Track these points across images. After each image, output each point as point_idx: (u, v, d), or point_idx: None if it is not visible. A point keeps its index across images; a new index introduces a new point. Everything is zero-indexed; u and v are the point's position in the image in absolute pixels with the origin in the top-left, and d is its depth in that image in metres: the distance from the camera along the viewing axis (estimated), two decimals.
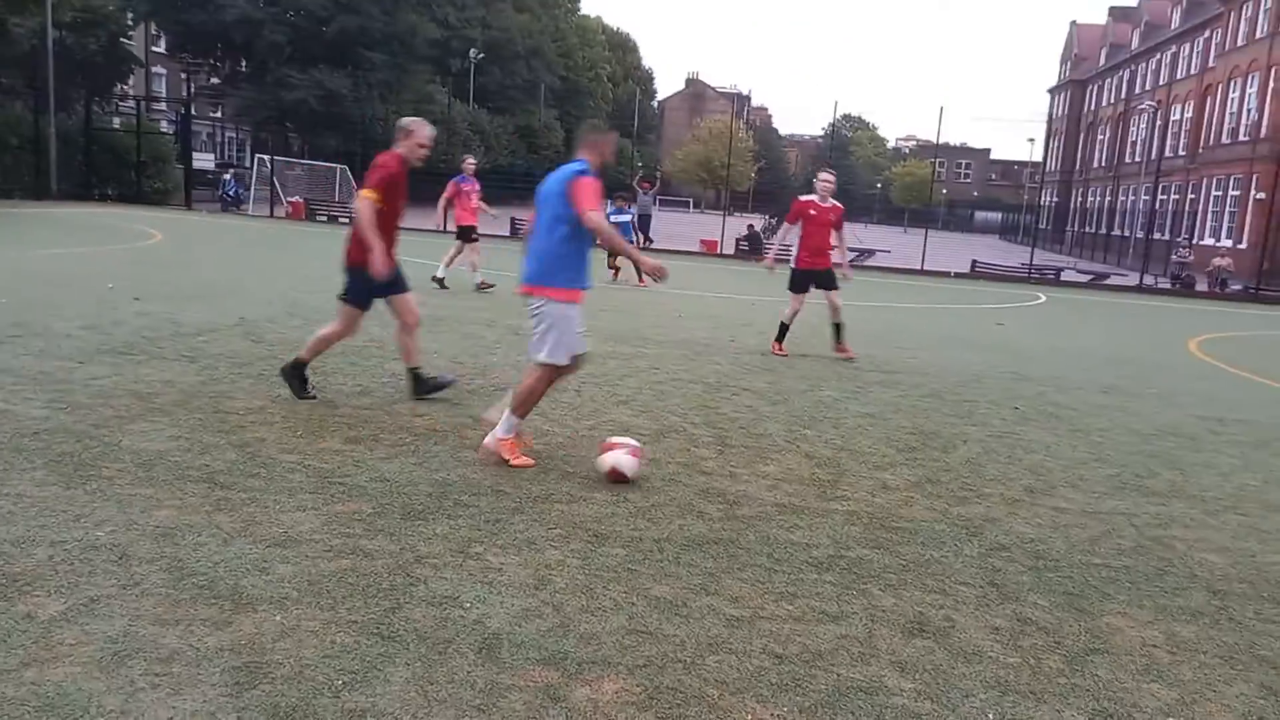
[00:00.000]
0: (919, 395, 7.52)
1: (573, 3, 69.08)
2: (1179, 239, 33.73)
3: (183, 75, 46.71)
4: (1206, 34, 42.14)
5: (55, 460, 4.29)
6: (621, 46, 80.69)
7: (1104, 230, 48.48)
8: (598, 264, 16.68)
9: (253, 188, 33.07)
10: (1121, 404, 7.83)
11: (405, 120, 5.73)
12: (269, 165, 32.25)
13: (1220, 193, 37.54)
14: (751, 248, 27.83)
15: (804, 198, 9.15)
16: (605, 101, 70.21)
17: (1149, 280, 26.76)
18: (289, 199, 31.81)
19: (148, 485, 4.07)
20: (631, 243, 16.28)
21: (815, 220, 9.01)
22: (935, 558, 3.97)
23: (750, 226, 30.54)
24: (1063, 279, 26.69)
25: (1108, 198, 52.24)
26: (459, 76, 49.50)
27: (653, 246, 26.72)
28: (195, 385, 5.92)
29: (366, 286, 5.55)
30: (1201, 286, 27.12)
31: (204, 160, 44.52)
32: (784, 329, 9.14)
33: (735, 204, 67.22)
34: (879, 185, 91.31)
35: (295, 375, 5.76)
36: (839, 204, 9.25)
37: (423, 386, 6.01)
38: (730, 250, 27.33)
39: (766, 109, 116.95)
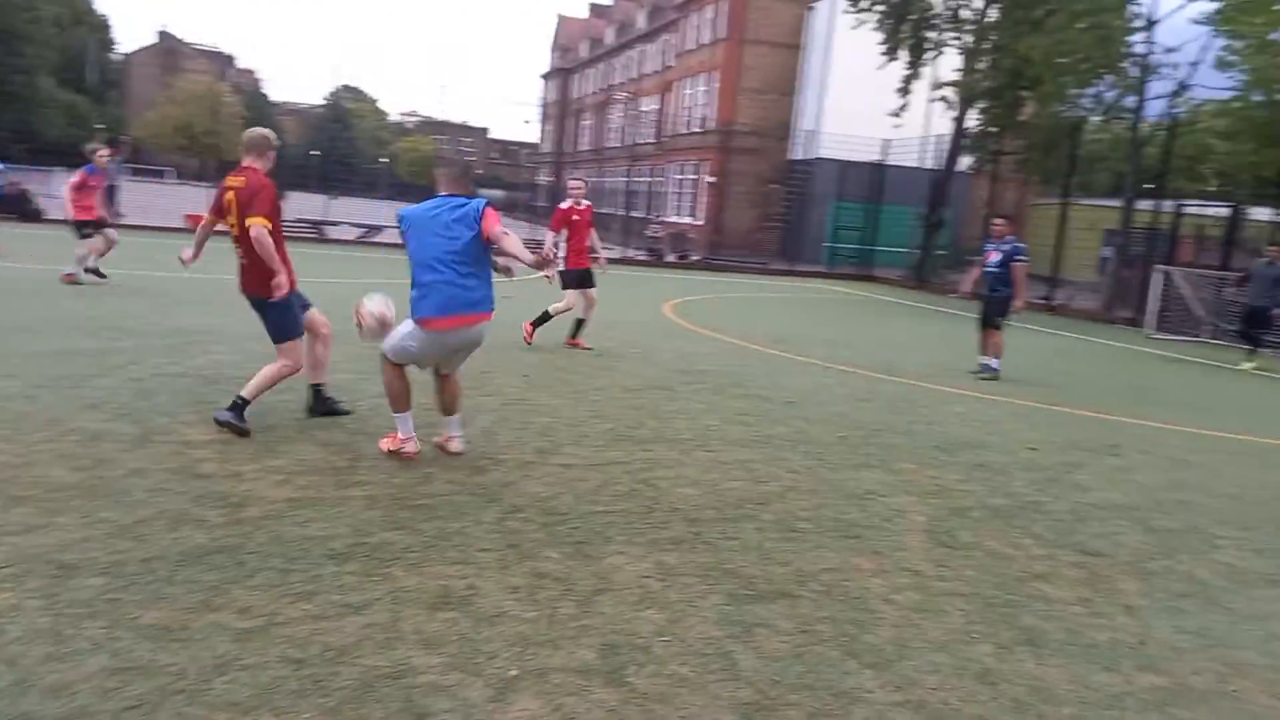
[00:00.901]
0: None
1: None
2: (651, 215, 38.60)
3: None
4: (667, 36, 48.38)
5: None
6: None
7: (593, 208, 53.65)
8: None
9: None
10: (612, 364, 8.73)
11: (265, 132, 5.58)
12: None
13: (681, 176, 43.68)
14: None
15: (565, 204, 9.76)
16: (50, 49, 59.28)
17: (630, 253, 30.21)
18: None
19: None
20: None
21: (579, 224, 9.72)
22: (456, 529, 4.04)
23: None
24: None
25: (594, 178, 57.80)
26: None
27: (122, 222, 23.39)
28: None
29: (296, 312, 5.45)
30: (670, 257, 31.36)
31: None
32: (547, 316, 9.66)
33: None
34: (384, 159, 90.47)
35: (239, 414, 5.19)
36: (590, 204, 10.07)
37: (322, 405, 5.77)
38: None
39: (254, 72, 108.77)
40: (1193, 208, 21.57)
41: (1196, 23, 19.86)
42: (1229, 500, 5.66)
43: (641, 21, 54.00)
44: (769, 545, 4.18)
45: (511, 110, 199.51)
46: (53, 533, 3.60)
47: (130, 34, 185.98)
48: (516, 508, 4.39)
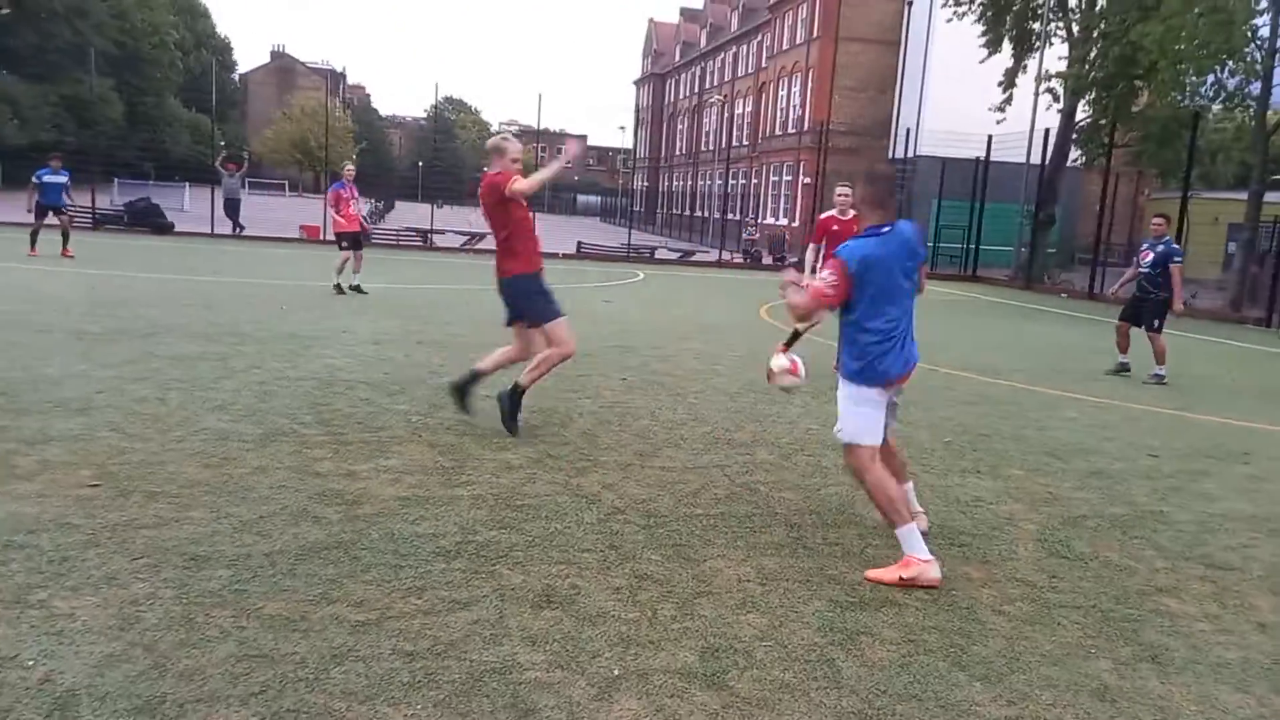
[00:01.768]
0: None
1: None
2: (747, 218, 38.39)
3: None
4: (759, 38, 48.14)
5: None
6: (190, 11, 72.40)
7: (688, 211, 53.80)
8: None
9: None
10: (710, 367, 8.71)
11: (499, 140, 5.64)
12: None
13: (777, 178, 43.32)
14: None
15: (826, 214, 9.10)
16: (175, 71, 62.67)
17: (725, 255, 30.12)
18: None
19: None
20: (62, 208, 15.02)
21: (839, 235, 9.00)
22: (559, 529, 4.10)
23: None
24: (657, 257, 29.09)
25: (689, 182, 57.85)
26: None
27: (244, 234, 24.61)
28: None
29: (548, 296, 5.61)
30: (767, 260, 31.13)
31: None
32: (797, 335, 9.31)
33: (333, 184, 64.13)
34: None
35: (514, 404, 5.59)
36: (855, 215, 9.48)
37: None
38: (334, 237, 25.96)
39: (364, 88, 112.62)
40: None
41: None
42: None
43: (734, 24, 53.82)
44: (871, 552, 4.10)
45: (605, 116, 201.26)
46: (185, 526, 3.82)
47: (248, 54, 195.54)
48: (617, 509, 4.43)
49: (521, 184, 5.36)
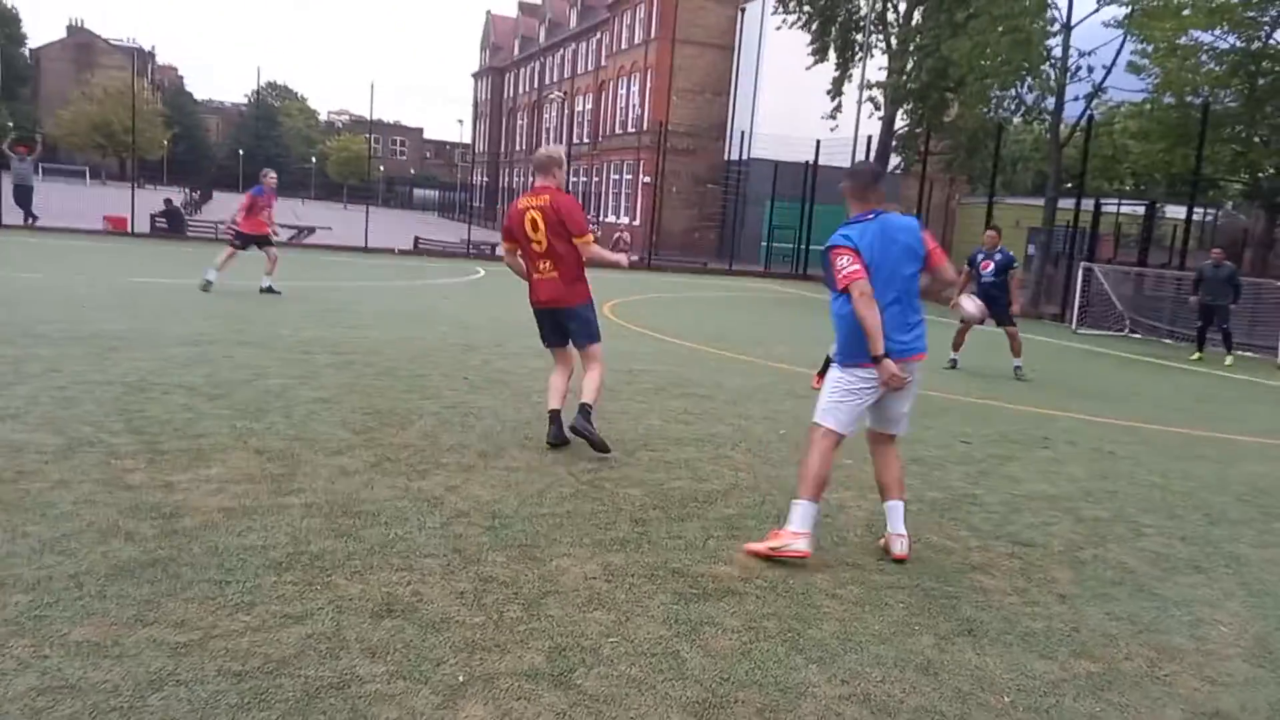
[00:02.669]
0: (373, 374, 7.48)
1: None
2: (588, 216, 38.58)
3: None
4: (599, 35, 48.38)
5: None
6: None
7: None
8: None
9: None
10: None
11: (551, 151, 5.74)
12: None
13: (618, 176, 43.70)
14: (171, 225, 24.86)
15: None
16: None
17: None
18: None
19: None
20: None
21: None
22: (400, 535, 3.97)
23: (168, 201, 27.15)
24: (498, 254, 28.74)
25: (530, 178, 57.36)
26: None
27: (37, 225, 22.47)
28: None
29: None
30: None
31: None
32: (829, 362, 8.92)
33: (147, 175, 59.68)
34: (313, 159, 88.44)
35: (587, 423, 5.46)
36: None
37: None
38: (145, 228, 24.15)
39: (176, 69, 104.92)
40: (1111, 206, 22.37)
41: (1109, 26, 20.63)
42: (1153, 489, 5.89)
43: (573, 20, 53.89)
44: (714, 543, 4.20)
45: (441, 108, 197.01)
46: None
47: (41, 27, 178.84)
48: (461, 512, 4.34)
49: (594, 250, 5.65)
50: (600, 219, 41.07)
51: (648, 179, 38.22)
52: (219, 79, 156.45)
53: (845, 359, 4.13)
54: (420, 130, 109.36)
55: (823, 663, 3.14)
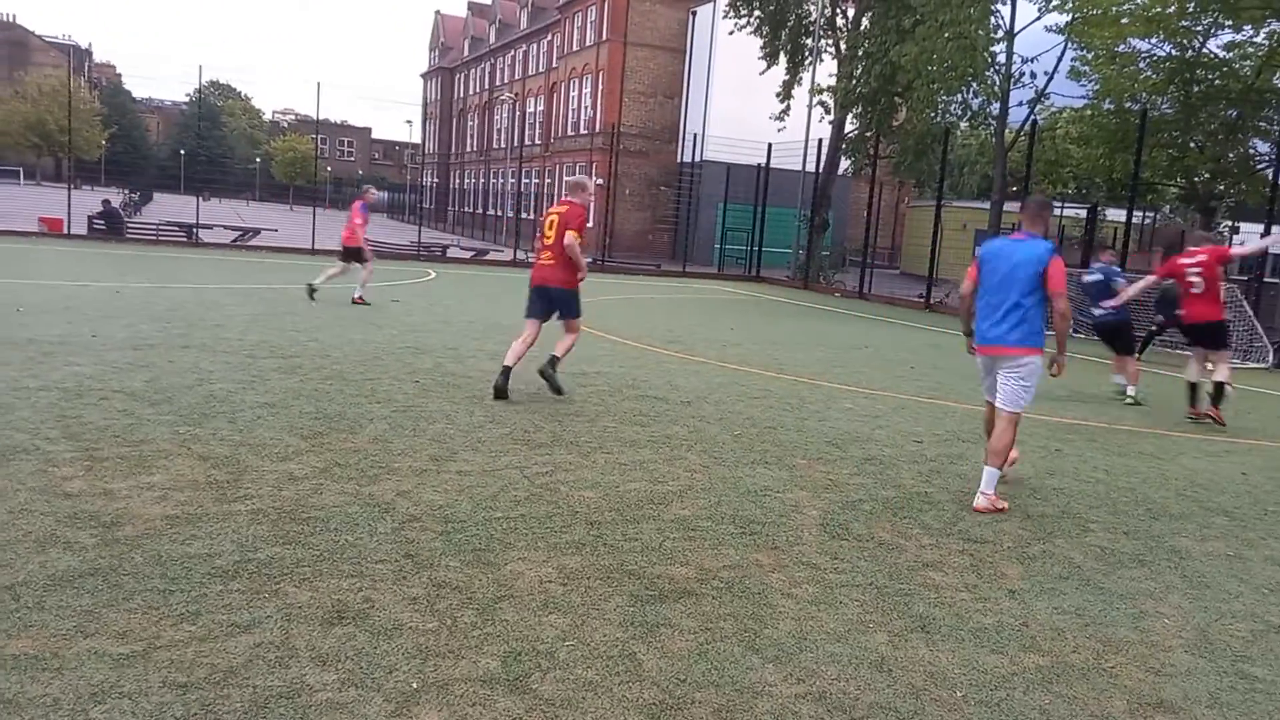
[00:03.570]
0: (321, 378, 7.35)
1: None
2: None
3: None
4: (550, 37, 48.21)
5: None
6: None
7: (480, 210, 53.04)
8: None
9: None
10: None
11: (582, 179, 7.97)
12: None
13: (571, 178, 43.62)
14: (109, 226, 24.19)
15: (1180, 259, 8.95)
16: None
17: (521, 255, 29.95)
18: None
19: None
20: None
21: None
22: (350, 541, 3.90)
23: (106, 202, 26.40)
24: (449, 255, 28.47)
25: (481, 180, 57.04)
26: None
27: None
28: None
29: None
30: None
31: None
32: None
33: (84, 176, 58.07)
34: (258, 160, 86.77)
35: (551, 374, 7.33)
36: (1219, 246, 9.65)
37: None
38: (82, 229, 23.47)
39: (114, 67, 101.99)
40: (1055, 209, 22.87)
41: (1051, 32, 21.12)
42: (1097, 485, 6.02)
43: (523, 21, 53.62)
44: (670, 545, 4.20)
45: (389, 108, 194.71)
46: None
47: None
48: (413, 517, 4.28)
49: (574, 248, 7.24)
50: None
51: (600, 180, 38.25)
52: (159, 77, 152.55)
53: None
54: (368, 130, 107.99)
55: (779, 662, 3.15)
